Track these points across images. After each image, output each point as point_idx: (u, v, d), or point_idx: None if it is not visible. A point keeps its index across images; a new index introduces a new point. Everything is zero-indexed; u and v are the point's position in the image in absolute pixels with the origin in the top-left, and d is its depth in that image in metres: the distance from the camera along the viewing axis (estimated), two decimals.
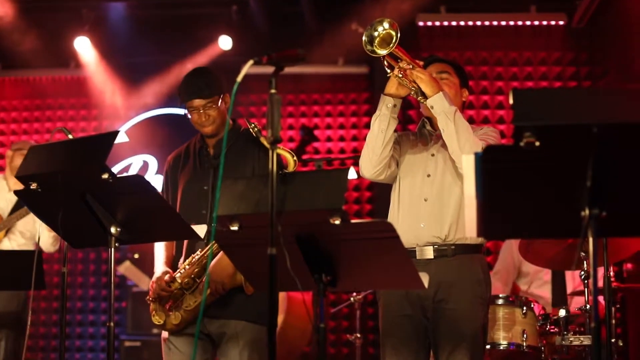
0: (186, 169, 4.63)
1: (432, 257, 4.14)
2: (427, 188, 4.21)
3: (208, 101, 4.50)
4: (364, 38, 4.02)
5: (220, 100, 4.53)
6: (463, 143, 4.01)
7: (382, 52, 4.01)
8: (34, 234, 6.61)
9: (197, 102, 4.50)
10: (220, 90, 4.54)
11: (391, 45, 3.98)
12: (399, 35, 3.97)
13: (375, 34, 4.02)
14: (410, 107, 7.98)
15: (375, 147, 4.19)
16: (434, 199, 4.18)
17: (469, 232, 2.77)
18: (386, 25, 4.01)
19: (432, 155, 4.26)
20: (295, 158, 4.27)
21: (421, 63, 4.20)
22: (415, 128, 4.48)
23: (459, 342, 4.06)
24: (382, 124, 4.16)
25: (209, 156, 4.60)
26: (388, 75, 4.16)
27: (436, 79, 4.17)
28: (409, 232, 4.14)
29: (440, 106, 4.07)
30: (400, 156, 4.33)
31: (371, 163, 4.22)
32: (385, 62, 4.13)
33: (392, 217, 4.28)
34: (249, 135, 4.49)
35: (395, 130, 4.23)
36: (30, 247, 6.61)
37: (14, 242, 6.59)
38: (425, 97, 4.10)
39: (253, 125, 4.29)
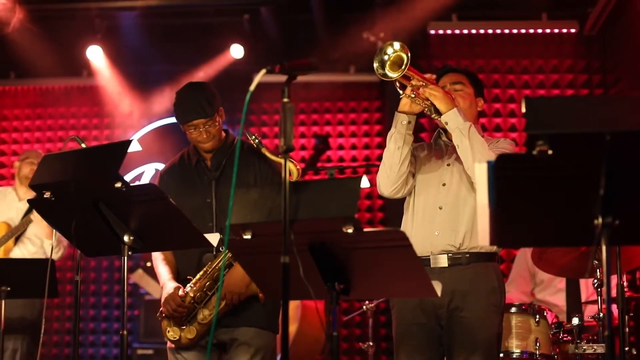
0: (184, 182, 4.60)
1: (446, 265, 4.13)
2: (442, 196, 4.20)
3: (209, 119, 4.49)
4: (375, 64, 4.02)
5: (217, 116, 4.54)
6: (478, 158, 4.00)
7: (394, 75, 4.00)
8: (43, 240, 6.64)
9: (198, 121, 4.49)
10: (217, 106, 4.54)
11: (403, 67, 3.96)
12: (409, 56, 3.96)
13: (386, 57, 4.02)
14: (422, 115, 7.95)
15: (393, 165, 4.17)
16: (449, 208, 4.17)
17: (482, 240, 2.77)
18: (396, 46, 4.01)
19: (448, 165, 4.26)
20: (298, 167, 4.25)
21: (433, 77, 4.19)
22: (428, 137, 4.48)
23: (473, 350, 4.05)
24: (398, 142, 4.16)
25: (207, 169, 4.59)
26: (401, 96, 4.15)
27: (449, 94, 4.16)
28: (424, 240, 4.14)
29: (454, 122, 4.07)
30: (416, 168, 4.32)
31: (389, 181, 4.21)
32: (397, 83, 4.13)
33: (405, 225, 4.28)
34: (244, 145, 4.50)
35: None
36: (41, 255, 6.64)
37: (24, 250, 6.62)
38: (439, 113, 4.10)
39: (254, 136, 4.27)
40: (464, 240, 4.12)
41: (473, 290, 4.10)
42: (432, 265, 4.13)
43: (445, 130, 4.31)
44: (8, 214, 6.73)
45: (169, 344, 4.53)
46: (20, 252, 6.60)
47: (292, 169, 4.24)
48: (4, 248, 6.57)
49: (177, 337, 4.39)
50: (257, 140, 4.28)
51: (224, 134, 4.65)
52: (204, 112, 4.47)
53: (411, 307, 4.18)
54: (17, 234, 6.60)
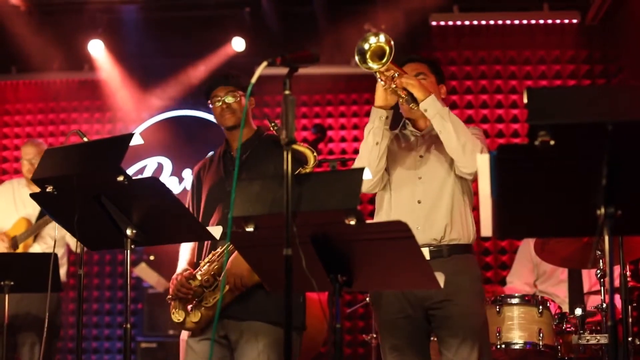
0: (210, 173, 4.70)
1: (428, 258, 4.13)
2: (419, 190, 4.24)
3: (229, 89, 4.62)
4: (356, 57, 4.01)
5: (240, 95, 4.63)
6: (463, 141, 4.06)
7: (376, 66, 4.02)
8: (62, 235, 6.62)
9: (220, 89, 4.63)
10: (243, 83, 4.66)
11: (385, 60, 3.98)
12: (392, 46, 3.97)
13: (366, 46, 4.02)
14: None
15: (371, 160, 4.19)
16: (428, 201, 4.22)
17: (484, 231, 2.77)
18: (382, 39, 4.01)
19: (421, 157, 4.29)
20: (315, 154, 4.29)
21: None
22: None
23: (465, 337, 4.10)
24: (377, 137, 4.18)
25: (232, 159, 4.63)
26: (383, 85, 4.16)
27: (424, 83, 4.20)
28: None
29: (434, 108, 4.10)
30: (388, 161, 4.32)
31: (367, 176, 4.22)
32: (377, 74, 4.14)
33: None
34: (271, 138, 4.57)
35: None
36: (60, 250, 6.63)
37: (43, 245, 6.59)
38: (417, 102, 4.12)
39: (274, 123, 4.34)
40: (445, 233, 4.18)
41: (457, 281, 4.10)
42: None
43: (412, 121, 4.36)
44: (25, 209, 6.68)
45: (181, 336, 4.55)
46: (40, 248, 6.58)
47: (308, 155, 4.28)
48: (24, 245, 6.55)
49: (182, 320, 4.42)
50: (276, 128, 4.33)
51: (255, 127, 4.74)
52: (225, 81, 4.65)
53: (393, 299, 4.22)
54: (38, 232, 6.57)
